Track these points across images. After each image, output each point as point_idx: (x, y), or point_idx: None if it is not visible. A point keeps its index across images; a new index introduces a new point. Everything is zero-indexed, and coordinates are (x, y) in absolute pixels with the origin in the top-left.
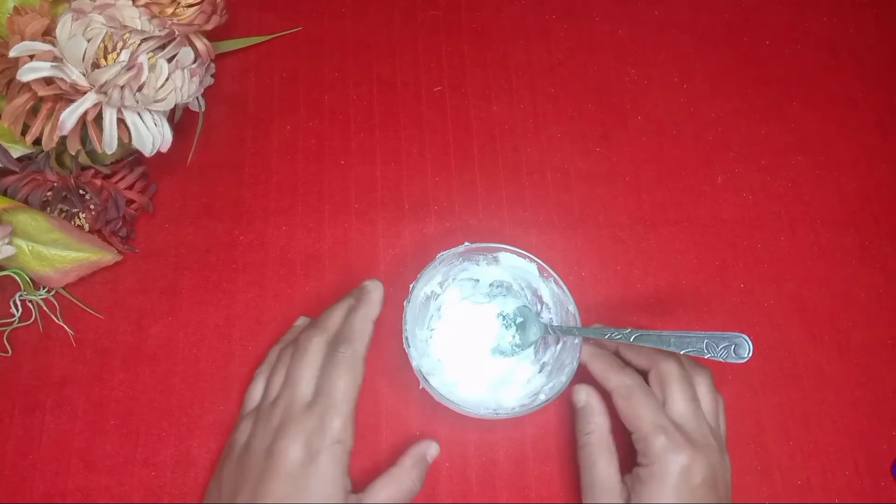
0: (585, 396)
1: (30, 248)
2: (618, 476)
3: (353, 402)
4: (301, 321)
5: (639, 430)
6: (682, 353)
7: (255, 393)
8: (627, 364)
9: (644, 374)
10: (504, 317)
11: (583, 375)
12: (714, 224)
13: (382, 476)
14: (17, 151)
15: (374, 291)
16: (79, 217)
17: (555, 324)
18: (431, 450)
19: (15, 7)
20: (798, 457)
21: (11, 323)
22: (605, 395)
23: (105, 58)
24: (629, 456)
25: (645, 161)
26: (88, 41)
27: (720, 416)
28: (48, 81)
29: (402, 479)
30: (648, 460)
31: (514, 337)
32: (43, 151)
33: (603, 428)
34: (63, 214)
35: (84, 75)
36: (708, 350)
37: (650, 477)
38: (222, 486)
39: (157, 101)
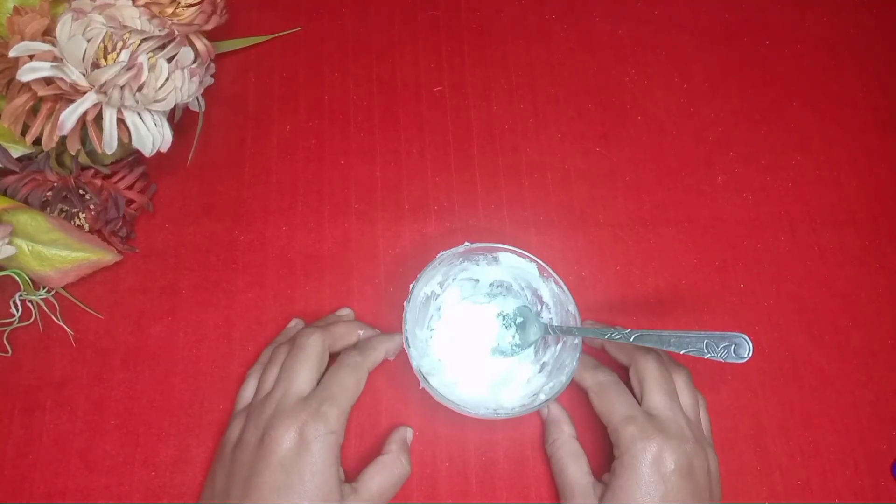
0: (549, 409)
1: (30, 248)
2: (589, 477)
3: (352, 402)
4: (294, 323)
5: (610, 423)
6: (682, 352)
7: (248, 391)
8: (613, 360)
9: (626, 372)
10: (504, 317)
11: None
12: (714, 224)
13: (372, 464)
14: (17, 151)
15: (399, 336)
16: (79, 217)
17: (555, 324)
18: (409, 434)
19: (15, 7)
20: (798, 457)
21: (11, 323)
22: (580, 401)
23: (105, 58)
24: (610, 459)
25: (645, 161)
26: (88, 41)
27: (701, 412)
28: (48, 81)
29: (392, 464)
30: (620, 451)
31: (514, 337)
32: (43, 151)
33: (567, 434)
34: (63, 214)
35: (84, 75)
36: (708, 350)
37: (622, 467)
38: (215, 486)
39: (157, 101)
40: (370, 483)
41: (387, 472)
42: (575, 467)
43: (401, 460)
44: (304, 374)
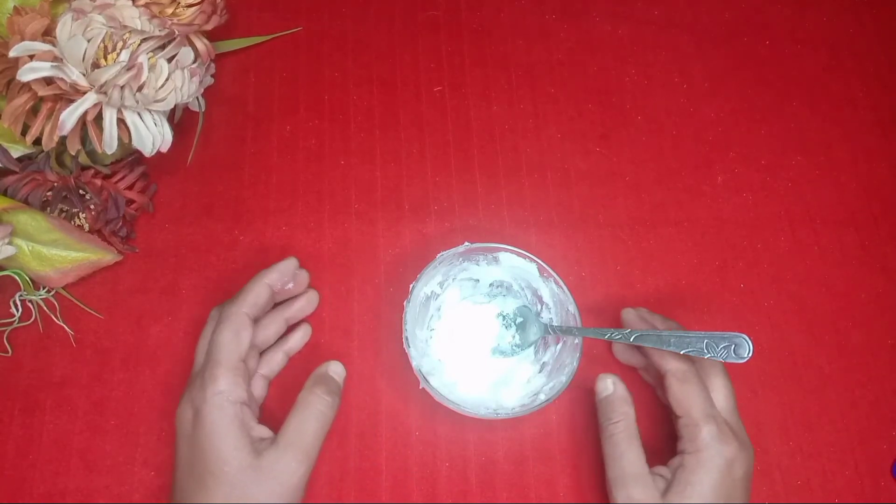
0: (612, 385)
1: (30, 248)
2: (647, 468)
3: (235, 355)
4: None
5: (689, 416)
6: (681, 352)
7: None
8: (615, 361)
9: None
10: (504, 317)
11: (586, 373)
12: (714, 224)
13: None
14: (17, 151)
15: (284, 261)
16: (79, 217)
17: (555, 324)
18: (333, 366)
19: (15, 7)
20: (798, 457)
21: (11, 323)
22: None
23: (105, 58)
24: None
25: (645, 161)
26: (88, 41)
27: None
28: (48, 81)
29: (307, 400)
30: (695, 447)
31: (514, 337)
32: (43, 151)
33: (630, 417)
34: (63, 214)
35: (84, 75)
36: (708, 350)
37: (697, 464)
38: None
39: (157, 101)
40: (287, 429)
41: (300, 410)
42: (635, 455)
43: (316, 394)
44: (201, 350)
